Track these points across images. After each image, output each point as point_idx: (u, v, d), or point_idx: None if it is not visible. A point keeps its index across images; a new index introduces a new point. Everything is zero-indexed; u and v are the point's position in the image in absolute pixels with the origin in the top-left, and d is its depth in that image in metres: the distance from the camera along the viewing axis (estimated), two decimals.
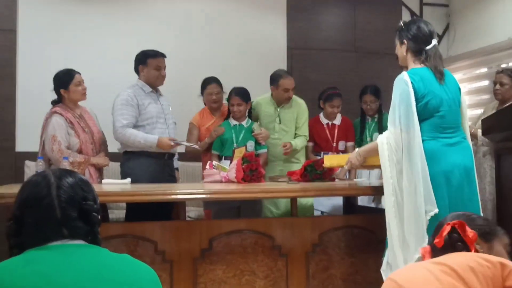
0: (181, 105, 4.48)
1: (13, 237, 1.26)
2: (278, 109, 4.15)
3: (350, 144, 4.32)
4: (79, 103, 3.59)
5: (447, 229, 1.61)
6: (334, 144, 4.28)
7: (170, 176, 3.74)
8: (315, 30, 5.56)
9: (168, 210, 3.29)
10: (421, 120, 2.57)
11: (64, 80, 3.47)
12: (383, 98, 4.36)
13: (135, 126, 3.57)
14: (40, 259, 1.18)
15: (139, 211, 3.26)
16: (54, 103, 3.52)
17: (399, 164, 2.56)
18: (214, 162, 3.54)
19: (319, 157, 3.84)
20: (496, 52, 5.12)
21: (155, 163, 3.60)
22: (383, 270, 2.64)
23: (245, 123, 3.95)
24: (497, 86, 4.07)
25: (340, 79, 5.40)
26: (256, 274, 2.94)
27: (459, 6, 5.77)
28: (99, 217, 1.32)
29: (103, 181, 3.37)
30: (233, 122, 3.95)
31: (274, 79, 4.11)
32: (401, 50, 2.71)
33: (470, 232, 1.58)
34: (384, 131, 2.73)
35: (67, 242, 1.24)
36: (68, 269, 1.16)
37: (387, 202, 2.61)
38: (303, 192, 3.03)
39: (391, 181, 2.58)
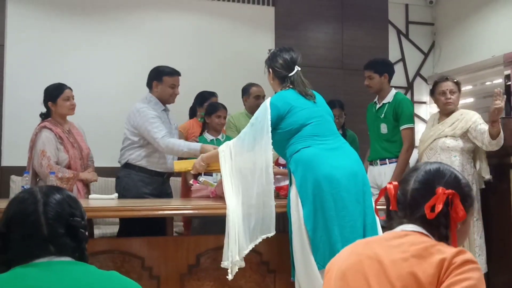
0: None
1: (0, 254, 1.26)
2: None
3: None
4: (67, 117, 3.56)
5: (442, 198, 1.28)
6: None
7: (167, 196, 3.65)
8: (303, 47, 5.59)
9: (160, 225, 3.25)
10: (293, 134, 2.71)
11: (53, 94, 3.46)
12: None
13: (145, 144, 3.47)
14: (27, 276, 1.17)
15: (131, 226, 3.23)
16: (43, 116, 3.50)
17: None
18: (200, 178, 3.50)
19: None
20: (481, 70, 5.20)
21: (155, 181, 3.53)
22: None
23: (221, 137, 3.88)
24: (448, 95, 3.62)
25: (328, 96, 5.41)
26: None
27: (444, 24, 5.88)
28: (87, 233, 1.31)
29: (90, 196, 3.34)
30: (209, 137, 3.86)
31: (245, 89, 4.37)
32: (269, 77, 2.93)
33: (461, 210, 1.29)
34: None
35: (54, 259, 1.23)
36: (55, 287, 1.15)
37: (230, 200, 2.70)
38: None
39: (231, 185, 2.74)
